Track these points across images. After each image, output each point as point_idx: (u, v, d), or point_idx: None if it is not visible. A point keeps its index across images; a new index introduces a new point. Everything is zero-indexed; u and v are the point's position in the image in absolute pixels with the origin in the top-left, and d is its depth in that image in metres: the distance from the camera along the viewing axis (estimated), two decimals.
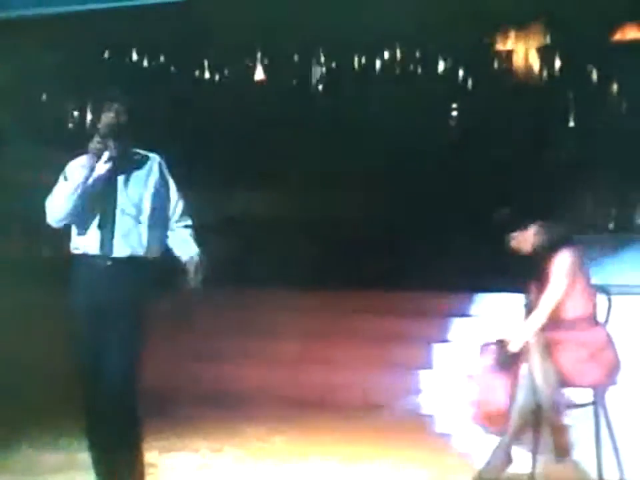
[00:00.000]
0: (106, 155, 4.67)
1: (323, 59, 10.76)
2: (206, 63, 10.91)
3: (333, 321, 8.25)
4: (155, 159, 4.83)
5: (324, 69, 10.78)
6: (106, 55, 10.42)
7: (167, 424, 6.32)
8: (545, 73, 10.23)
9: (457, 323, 8.12)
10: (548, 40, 10.08)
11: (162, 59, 10.95)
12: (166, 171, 4.83)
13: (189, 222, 4.85)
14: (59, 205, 4.68)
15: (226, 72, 10.92)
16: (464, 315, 8.23)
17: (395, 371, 7.71)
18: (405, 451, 6.04)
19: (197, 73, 10.99)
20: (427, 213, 9.37)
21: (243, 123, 10.24)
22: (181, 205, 4.83)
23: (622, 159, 8.93)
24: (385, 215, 9.71)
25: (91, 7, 8.91)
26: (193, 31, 9.29)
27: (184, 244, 4.78)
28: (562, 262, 5.17)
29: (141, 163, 4.79)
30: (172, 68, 11.00)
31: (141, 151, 4.85)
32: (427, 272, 8.64)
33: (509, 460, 5.18)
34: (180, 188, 4.88)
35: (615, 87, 9.85)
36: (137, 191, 4.71)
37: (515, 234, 5.33)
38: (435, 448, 6.15)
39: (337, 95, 10.55)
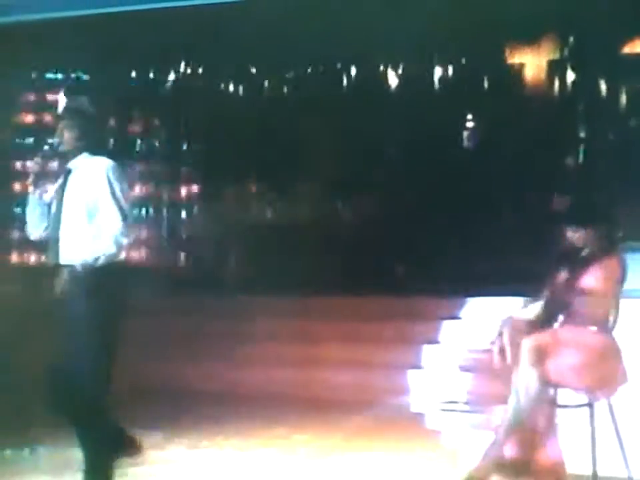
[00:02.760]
0: (62, 165, 4.88)
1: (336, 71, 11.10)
2: (223, 74, 11.21)
3: (333, 325, 8.63)
4: (105, 166, 4.86)
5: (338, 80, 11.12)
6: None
7: (194, 423, 6.68)
8: (556, 85, 10.51)
9: (446, 326, 8.54)
10: (558, 53, 10.40)
11: (173, 67, 11.17)
12: (113, 176, 4.82)
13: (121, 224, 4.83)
14: (29, 218, 4.98)
15: (238, 83, 11.18)
16: (453, 318, 8.66)
17: (392, 371, 8.11)
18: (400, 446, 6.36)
19: (216, 82, 11.24)
20: (422, 225, 9.82)
21: (252, 133, 10.58)
22: (118, 217, 4.81)
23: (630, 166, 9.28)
24: (378, 228, 10.13)
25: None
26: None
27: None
28: (614, 268, 5.23)
29: (91, 168, 4.85)
30: (186, 77, 11.21)
31: (92, 157, 4.90)
32: (418, 279, 9.11)
33: (501, 460, 5.26)
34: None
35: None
36: (84, 196, 4.81)
37: (579, 227, 5.32)
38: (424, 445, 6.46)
39: (348, 105, 10.83)
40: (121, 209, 4.83)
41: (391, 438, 6.62)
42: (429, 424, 7.26)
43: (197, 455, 6.16)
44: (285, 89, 11.18)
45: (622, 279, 5.31)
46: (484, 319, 8.11)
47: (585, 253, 5.34)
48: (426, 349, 8.33)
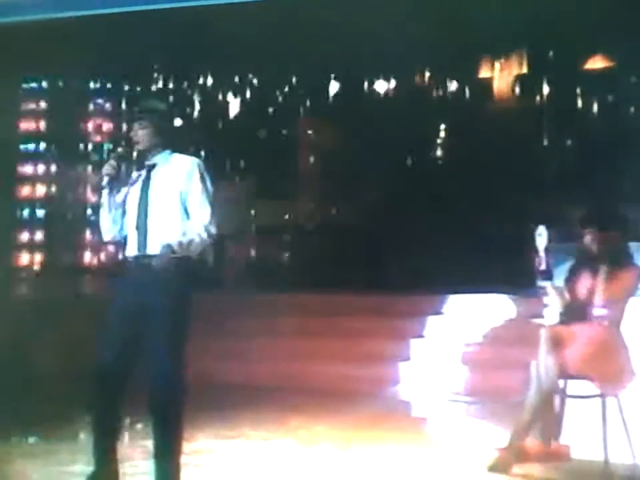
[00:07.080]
0: (141, 164, 4.92)
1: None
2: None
3: (334, 321, 9.17)
4: (194, 162, 4.96)
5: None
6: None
7: (224, 415, 7.05)
8: (524, 97, 11.18)
9: (430, 321, 9.10)
10: (527, 68, 11.02)
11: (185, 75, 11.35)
12: (203, 171, 4.93)
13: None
14: (106, 219, 4.99)
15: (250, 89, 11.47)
16: (437, 313, 9.23)
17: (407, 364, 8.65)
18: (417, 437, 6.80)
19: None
20: (410, 227, 10.34)
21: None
22: (208, 209, 4.88)
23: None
24: (368, 230, 10.69)
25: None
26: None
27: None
28: (633, 277, 5.66)
29: (177, 167, 4.92)
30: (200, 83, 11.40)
31: (180, 155, 4.99)
32: (405, 278, 9.60)
33: (522, 449, 5.67)
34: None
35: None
36: (172, 191, 4.87)
37: (597, 229, 5.69)
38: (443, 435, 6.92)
39: (341, 114, 11.36)
40: (211, 202, 4.92)
41: (407, 429, 7.05)
42: (446, 416, 7.68)
43: (225, 445, 6.49)
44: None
45: (636, 287, 5.78)
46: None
47: (606, 260, 5.73)
48: (436, 343, 8.86)
